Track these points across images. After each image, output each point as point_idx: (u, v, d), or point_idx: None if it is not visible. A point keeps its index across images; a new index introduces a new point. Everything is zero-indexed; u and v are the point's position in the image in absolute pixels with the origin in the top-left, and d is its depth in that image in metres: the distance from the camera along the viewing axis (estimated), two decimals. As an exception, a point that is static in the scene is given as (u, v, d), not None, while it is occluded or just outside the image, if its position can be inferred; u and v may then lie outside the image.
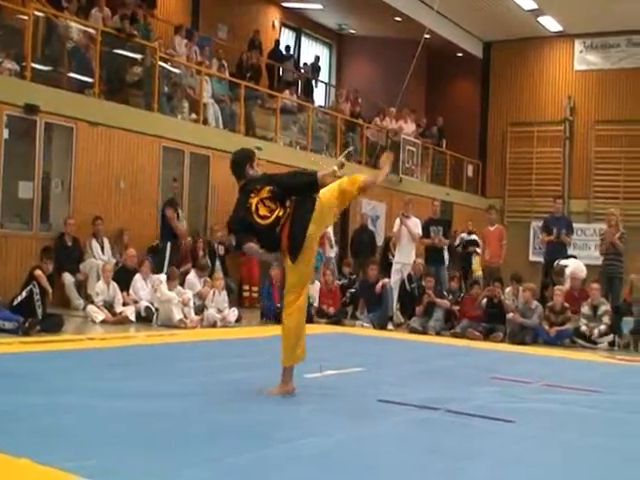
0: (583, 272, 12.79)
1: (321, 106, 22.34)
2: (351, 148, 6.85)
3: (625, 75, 23.84)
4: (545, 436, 5.16)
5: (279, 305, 12.84)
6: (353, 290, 14.08)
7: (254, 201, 5.85)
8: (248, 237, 6.16)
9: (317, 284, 13.77)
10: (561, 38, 24.76)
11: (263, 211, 5.82)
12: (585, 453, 4.76)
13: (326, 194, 5.91)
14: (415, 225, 14.29)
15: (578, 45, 24.70)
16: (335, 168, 6.06)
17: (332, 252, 16.18)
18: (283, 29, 23.88)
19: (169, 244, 12.85)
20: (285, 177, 6.07)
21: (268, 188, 5.84)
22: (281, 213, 5.79)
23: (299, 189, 5.89)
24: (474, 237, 17.65)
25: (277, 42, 22.23)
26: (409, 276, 13.92)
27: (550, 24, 23.82)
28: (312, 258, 6.03)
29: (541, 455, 4.66)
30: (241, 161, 6.19)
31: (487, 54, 26.18)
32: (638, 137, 23.45)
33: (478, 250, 16.93)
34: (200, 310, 11.75)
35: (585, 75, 24.63)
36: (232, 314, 11.93)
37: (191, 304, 11.52)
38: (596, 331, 11.89)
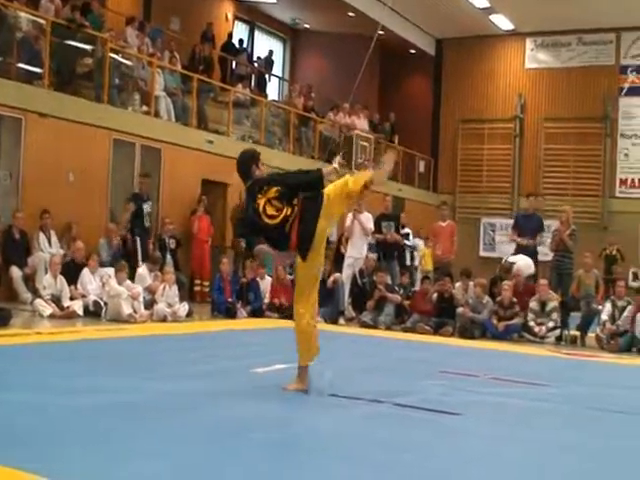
0: (530, 269, 12.92)
1: (274, 100, 22.28)
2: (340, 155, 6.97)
3: (575, 74, 24.22)
4: (489, 428, 5.24)
5: (230, 299, 12.85)
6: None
7: (261, 202, 5.84)
8: (258, 239, 6.15)
9: (268, 279, 13.77)
10: (513, 36, 25.05)
11: (271, 211, 5.82)
12: (525, 445, 4.83)
13: (332, 190, 5.90)
14: (367, 220, 14.34)
15: (529, 43, 25.02)
16: (336, 165, 6.08)
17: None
18: (236, 22, 23.75)
19: (138, 239, 12.85)
20: (290, 176, 6.10)
21: (275, 188, 5.83)
22: (289, 212, 5.80)
23: (305, 186, 5.91)
24: (407, 230, 17.66)
25: (230, 35, 22.12)
26: (361, 271, 13.97)
27: (502, 22, 24.08)
28: (323, 253, 6.04)
29: (482, 447, 4.73)
30: (247, 161, 6.12)
31: (440, 51, 26.37)
32: (587, 135, 23.87)
33: (408, 243, 16.97)
34: (150, 304, 11.65)
35: (536, 73, 24.96)
36: (182, 308, 11.85)
37: (141, 298, 11.42)
38: (544, 327, 12.06)
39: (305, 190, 5.89)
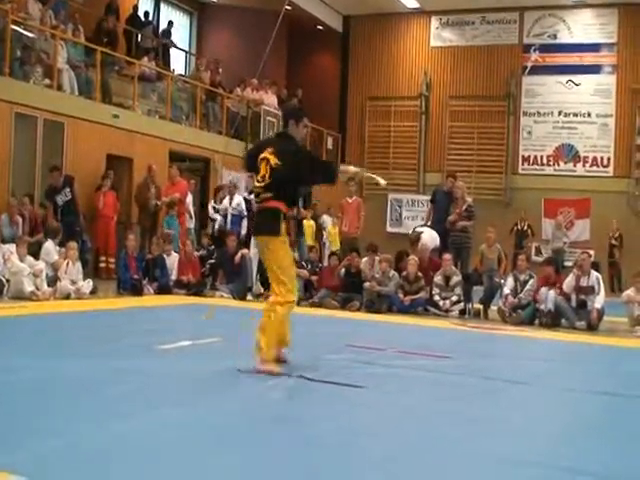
0: (435, 242, 13.17)
1: (181, 75, 21.95)
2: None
3: (479, 52, 24.63)
4: (392, 400, 5.33)
5: (136, 276, 12.67)
6: (212, 261, 14.00)
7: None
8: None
9: (175, 255, 13.63)
10: (418, 14, 25.26)
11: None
12: (429, 416, 4.94)
13: None
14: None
15: (434, 22, 25.29)
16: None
17: (191, 223, 16.03)
18: (142, -6, 23.25)
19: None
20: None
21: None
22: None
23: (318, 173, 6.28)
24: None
25: (135, 7, 21.64)
26: (269, 247, 13.93)
27: (407, 0, 24.25)
28: None
29: (383, 419, 4.80)
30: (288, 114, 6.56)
31: (347, 28, 26.40)
32: (490, 113, 24.35)
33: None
34: (53, 281, 11.40)
35: (441, 51, 25.26)
36: (86, 285, 11.63)
37: (43, 275, 11.16)
38: (448, 301, 12.31)
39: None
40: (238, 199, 16.00)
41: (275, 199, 6.05)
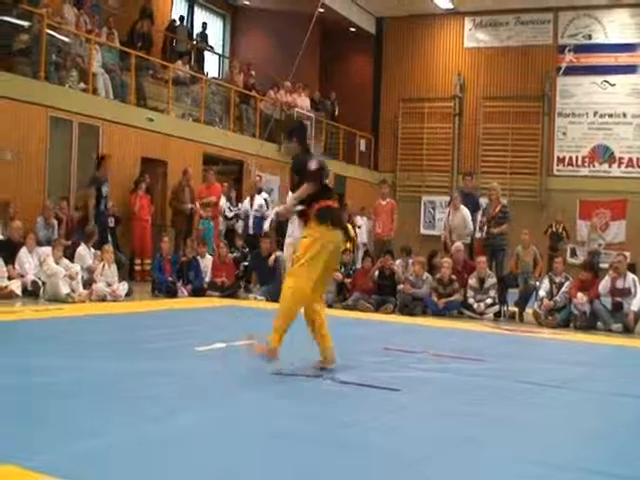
0: (469, 223, 13.19)
1: (215, 78, 22.09)
2: None
3: (513, 53, 24.50)
4: (427, 403, 5.33)
5: (170, 278, 12.76)
6: (246, 263, 14.05)
7: None
8: None
9: (209, 257, 13.70)
10: (452, 16, 25.18)
11: None
12: (462, 419, 4.91)
13: None
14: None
15: (468, 23, 25.19)
16: None
17: (224, 225, 16.09)
18: (176, -1, 23.44)
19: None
20: None
21: None
22: None
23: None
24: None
25: (170, 11, 21.82)
26: (303, 249, 13.96)
27: (441, 1, 24.18)
28: None
29: (419, 421, 4.80)
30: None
31: (380, 30, 26.39)
32: (524, 114, 24.19)
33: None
34: (89, 284, 11.52)
35: (474, 52, 25.16)
36: (122, 288, 11.74)
37: (79, 278, 11.28)
38: (482, 304, 12.25)
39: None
40: (260, 200, 15.99)
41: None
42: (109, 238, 13.73)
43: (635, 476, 3.78)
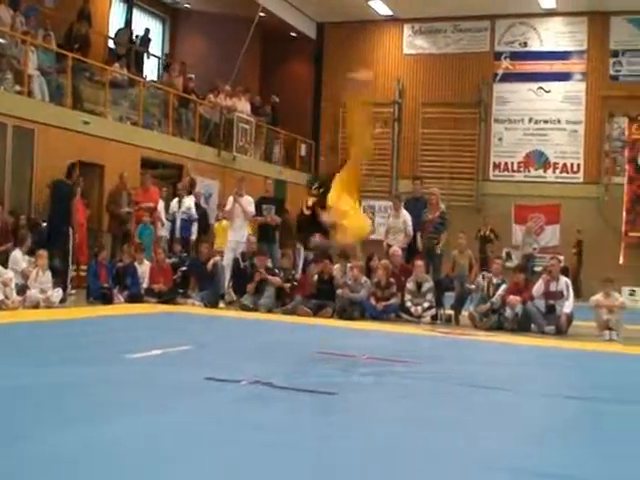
0: (409, 227, 13.28)
1: (153, 81, 21.90)
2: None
3: (451, 60, 24.80)
4: (362, 407, 5.35)
5: (106, 285, 12.60)
6: (184, 268, 13.95)
7: None
8: None
9: (147, 263, 13.57)
10: (391, 22, 25.39)
11: None
12: (399, 421, 4.94)
13: None
14: (248, 203, 14.35)
15: (407, 30, 25.43)
16: None
17: (163, 230, 15.90)
18: (114, 0, 23.16)
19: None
20: None
21: None
22: None
23: None
24: None
25: (108, 14, 21.56)
26: (243, 254, 13.96)
27: (380, 8, 24.37)
28: None
29: (354, 425, 4.82)
30: None
31: (320, 35, 26.48)
32: (462, 119, 24.52)
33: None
34: (23, 290, 11.31)
35: (413, 59, 25.40)
36: (56, 294, 11.54)
37: (12, 284, 11.07)
38: (420, 307, 12.37)
39: None
40: (188, 202, 15.83)
41: None
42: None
43: (569, 475, 3.85)
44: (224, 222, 15.19)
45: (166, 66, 22.67)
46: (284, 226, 16.22)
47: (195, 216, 15.66)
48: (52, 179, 13.64)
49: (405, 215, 13.42)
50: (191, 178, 17.31)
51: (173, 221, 15.70)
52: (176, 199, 15.88)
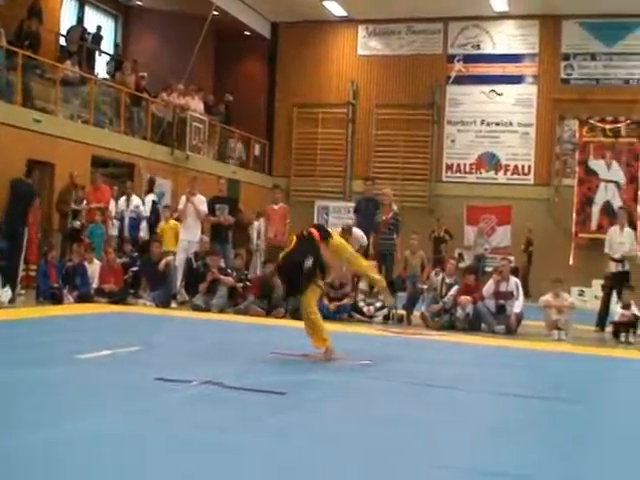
0: (363, 239, 13.31)
1: (105, 78, 21.65)
2: None
3: (404, 61, 24.95)
4: (313, 406, 5.36)
5: (56, 284, 12.43)
6: (135, 268, 13.83)
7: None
8: None
9: (97, 263, 13.41)
10: (345, 23, 25.46)
11: None
12: (348, 420, 4.97)
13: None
14: (200, 203, 14.27)
15: (361, 31, 25.53)
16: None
17: (115, 229, 15.73)
18: (66, -3, 22.89)
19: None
20: None
21: None
22: None
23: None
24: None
25: (59, 11, 21.28)
26: (196, 254, 13.88)
27: (335, 9, 24.43)
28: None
29: (304, 424, 4.82)
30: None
31: (275, 35, 26.45)
32: (415, 121, 24.67)
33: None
34: (-31, 290, 11.12)
35: (368, 60, 25.49)
36: (5, 294, 11.35)
37: (-39, 284, 10.88)
38: (372, 307, 12.43)
39: None
40: (137, 201, 15.72)
41: None
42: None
43: (515, 474, 3.89)
44: (171, 222, 15.07)
45: (117, 63, 22.38)
46: (238, 226, 16.17)
47: (144, 214, 15.53)
48: (9, 178, 13.46)
49: (356, 233, 13.34)
50: (151, 177, 17.24)
51: (121, 220, 15.51)
52: (124, 197, 15.70)
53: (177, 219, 15.09)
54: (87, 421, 4.49)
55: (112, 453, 3.89)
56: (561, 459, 4.27)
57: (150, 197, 16.39)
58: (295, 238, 8.00)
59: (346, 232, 12.93)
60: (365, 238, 13.38)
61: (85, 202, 15.29)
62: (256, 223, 19.04)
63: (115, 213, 15.53)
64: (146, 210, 15.84)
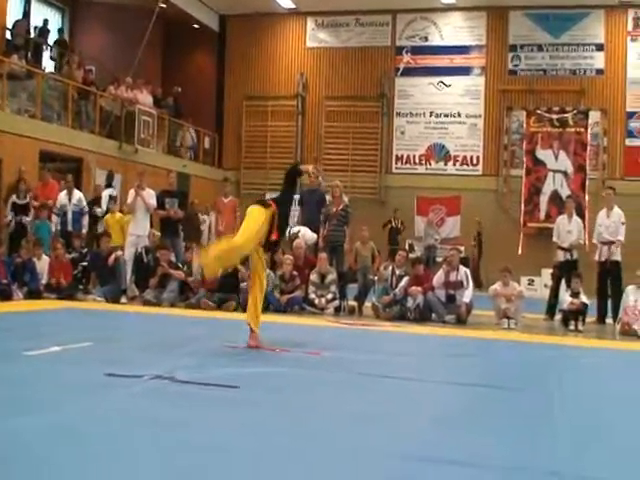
0: (313, 238, 13.31)
1: (52, 72, 21.35)
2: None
3: (353, 53, 25.08)
4: (265, 398, 5.36)
5: (5, 281, 12.26)
6: (85, 263, 13.70)
7: None
8: None
9: (46, 258, 13.26)
10: (294, 15, 25.48)
11: None
12: (302, 412, 5.00)
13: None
14: (150, 196, 14.17)
15: (310, 23, 25.56)
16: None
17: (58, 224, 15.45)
18: (11, -10, 22.47)
19: None
20: None
21: None
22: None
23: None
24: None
25: (5, 4, 20.89)
26: (146, 248, 13.79)
27: (283, 1, 24.43)
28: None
29: (258, 417, 4.81)
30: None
31: (223, 28, 26.35)
32: (364, 113, 24.83)
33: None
34: None
35: (317, 52, 25.56)
36: (-48, 291, 11.20)
37: None
38: (324, 299, 12.49)
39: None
40: (78, 195, 15.51)
41: None
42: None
43: (465, 461, 3.96)
44: (117, 214, 14.96)
45: (59, 55, 22.01)
46: (190, 219, 16.09)
47: (86, 209, 15.36)
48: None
49: (305, 236, 13.28)
50: (109, 171, 17.08)
51: (64, 214, 15.27)
52: (65, 192, 15.46)
53: (122, 211, 15.00)
54: (34, 417, 4.45)
55: (56, 450, 3.86)
56: (512, 445, 4.34)
57: (107, 192, 16.24)
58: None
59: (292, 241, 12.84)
60: (314, 235, 13.37)
61: (32, 197, 15.08)
62: (206, 217, 19.03)
63: (56, 208, 15.24)
64: (103, 205, 15.70)
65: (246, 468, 3.75)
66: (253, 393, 5.52)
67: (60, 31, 23.27)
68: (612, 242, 12.54)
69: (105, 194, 16.13)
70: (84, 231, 15.19)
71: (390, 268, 12.56)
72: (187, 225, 16.07)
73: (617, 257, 12.58)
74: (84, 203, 15.40)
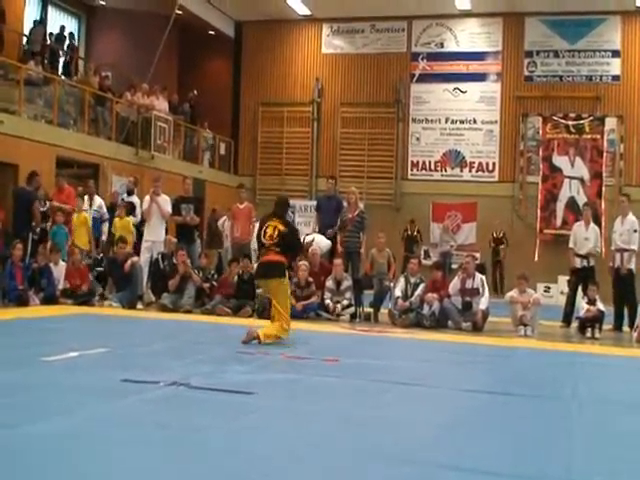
0: (327, 245, 13.33)
1: (68, 77, 21.46)
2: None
3: (368, 60, 25.08)
4: (281, 405, 5.37)
5: (21, 286, 12.31)
6: (101, 269, 13.74)
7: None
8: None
9: (62, 264, 13.30)
10: (310, 22, 25.52)
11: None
12: (316, 418, 5.00)
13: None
14: (165, 203, 14.20)
15: (326, 29, 25.59)
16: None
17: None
18: (29, -3, 22.66)
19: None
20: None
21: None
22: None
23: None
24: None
25: (23, 10, 21.08)
26: (163, 254, 13.80)
27: (299, 7, 24.46)
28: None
29: (272, 423, 4.82)
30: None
31: (239, 34, 26.43)
32: (380, 119, 24.81)
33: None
34: None
35: (332, 58, 25.58)
36: (-31, 297, 11.25)
37: None
38: (339, 305, 12.47)
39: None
40: (99, 201, 15.62)
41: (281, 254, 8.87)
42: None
43: (473, 468, 3.95)
44: (125, 218, 15.02)
45: (69, 61, 22.11)
46: (209, 225, 16.03)
47: (106, 216, 15.41)
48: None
49: (320, 244, 13.30)
50: (135, 178, 17.15)
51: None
52: (86, 197, 15.55)
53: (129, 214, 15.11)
54: (52, 423, 4.48)
55: (76, 454, 3.88)
56: (521, 454, 4.32)
57: (132, 199, 16.27)
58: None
59: (307, 251, 12.82)
60: (329, 242, 13.40)
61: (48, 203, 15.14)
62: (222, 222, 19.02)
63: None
64: (138, 215, 15.74)
65: (260, 473, 3.75)
66: (269, 399, 5.52)
67: (71, 36, 23.34)
68: (626, 250, 12.48)
69: (98, 200, 15.93)
70: (104, 237, 15.24)
71: (404, 277, 12.49)
72: (209, 232, 16.02)
73: (631, 265, 12.51)
74: (104, 209, 15.46)
